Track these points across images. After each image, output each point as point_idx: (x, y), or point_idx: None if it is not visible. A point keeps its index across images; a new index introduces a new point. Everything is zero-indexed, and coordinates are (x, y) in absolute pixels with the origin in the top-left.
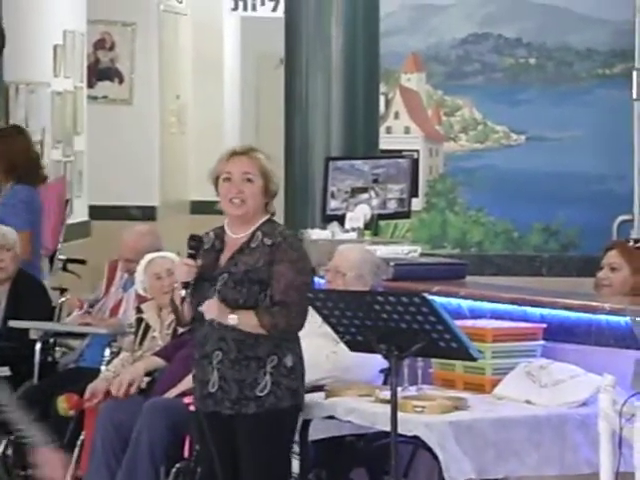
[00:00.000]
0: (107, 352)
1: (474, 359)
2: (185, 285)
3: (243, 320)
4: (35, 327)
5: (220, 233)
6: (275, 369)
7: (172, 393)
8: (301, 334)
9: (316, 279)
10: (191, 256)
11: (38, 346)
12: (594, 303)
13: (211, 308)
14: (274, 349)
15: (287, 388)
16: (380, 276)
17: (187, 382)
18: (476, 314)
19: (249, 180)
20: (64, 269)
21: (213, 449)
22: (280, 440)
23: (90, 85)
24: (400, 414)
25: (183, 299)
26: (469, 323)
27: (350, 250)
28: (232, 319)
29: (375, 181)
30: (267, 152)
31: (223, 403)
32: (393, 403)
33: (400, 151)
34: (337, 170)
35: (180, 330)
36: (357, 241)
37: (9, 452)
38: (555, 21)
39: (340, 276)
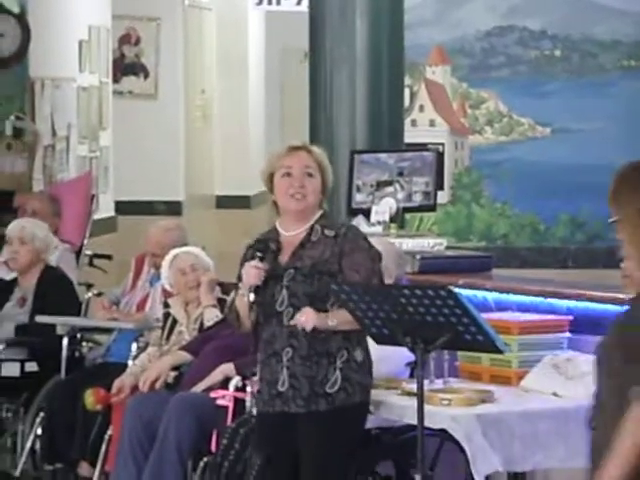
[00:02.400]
0: (134, 347)
1: (500, 352)
2: (254, 289)
3: (340, 319)
4: (62, 322)
5: (273, 235)
6: (345, 364)
7: (199, 387)
8: None
9: None
10: (259, 259)
11: (65, 341)
12: (621, 295)
13: (309, 317)
14: (344, 343)
15: (357, 383)
16: (403, 267)
17: (214, 376)
18: (502, 307)
19: (310, 175)
20: (90, 264)
21: (268, 451)
22: (348, 437)
23: (115, 80)
24: (427, 407)
25: (253, 303)
26: (495, 316)
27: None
28: (332, 321)
29: (400, 174)
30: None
31: (294, 401)
32: (419, 396)
33: (425, 144)
34: (362, 163)
35: (207, 324)
36: (382, 234)
37: (37, 447)
38: (580, 13)
39: None
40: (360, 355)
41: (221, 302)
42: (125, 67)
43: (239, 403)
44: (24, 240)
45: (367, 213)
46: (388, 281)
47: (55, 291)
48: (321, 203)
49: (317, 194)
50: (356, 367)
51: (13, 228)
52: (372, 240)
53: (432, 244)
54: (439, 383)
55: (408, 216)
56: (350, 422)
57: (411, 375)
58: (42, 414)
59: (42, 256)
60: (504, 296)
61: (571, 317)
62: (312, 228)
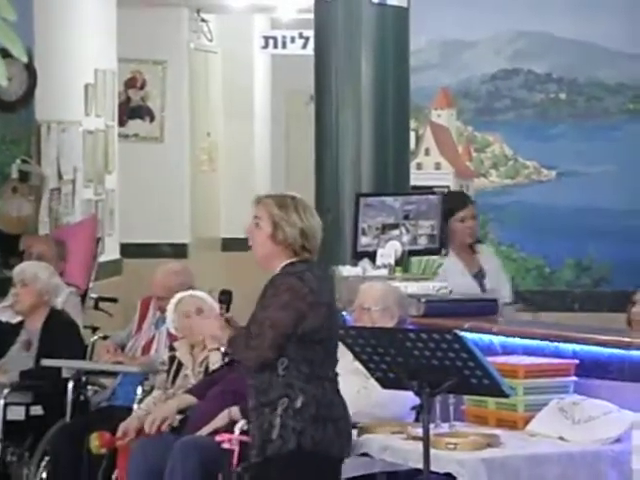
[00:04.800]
0: (139, 390)
1: (506, 395)
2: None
3: (222, 339)
4: (67, 366)
5: None
6: (284, 412)
7: (204, 431)
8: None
9: (346, 316)
10: (219, 304)
11: (70, 385)
12: (627, 339)
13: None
14: (286, 391)
15: (292, 429)
16: (406, 307)
17: (219, 420)
18: (508, 350)
19: (257, 225)
20: (96, 307)
21: None
22: None
23: (121, 123)
24: (432, 451)
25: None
26: (501, 359)
27: (372, 285)
28: (219, 333)
29: (406, 217)
30: (302, 197)
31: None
32: (425, 440)
33: (431, 187)
34: (368, 206)
35: (212, 367)
36: (388, 277)
37: None
38: (585, 56)
39: (366, 312)
40: (300, 402)
41: None
42: (131, 110)
43: (245, 447)
44: (25, 282)
45: (372, 256)
46: (390, 323)
47: (60, 334)
48: (301, 249)
49: (264, 245)
50: (292, 413)
51: (16, 270)
52: (372, 283)
53: (437, 287)
54: (445, 427)
55: (413, 259)
56: (291, 469)
57: (417, 419)
58: (47, 458)
59: (45, 298)
60: (510, 340)
61: (577, 361)
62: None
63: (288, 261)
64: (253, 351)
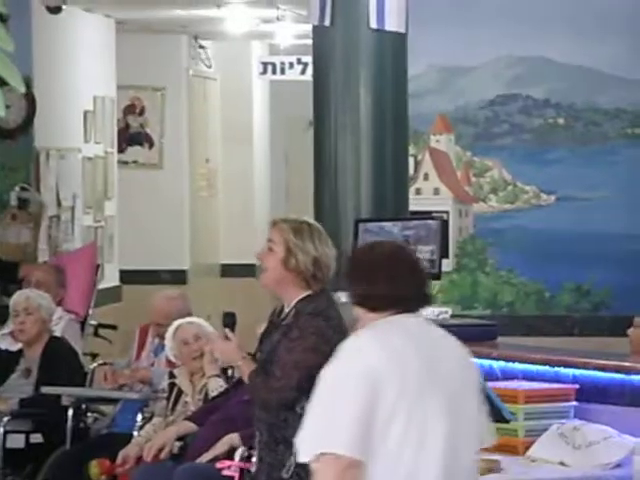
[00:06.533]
0: (139, 417)
1: (506, 421)
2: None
3: (242, 369)
4: (67, 393)
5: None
6: None
7: (205, 458)
8: None
9: None
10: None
11: (70, 412)
12: (627, 363)
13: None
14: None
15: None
16: None
17: (219, 447)
18: (508, 375)
19: (270, 249)
20: (95, 334)
21: None
22: None
23: (120, 150)
24: None
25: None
26: (501, 384)
27: None
28: (240, 364)
29: (405, 242)
30: (316, 225)
31: None
32: None
33: (430, 212)
34: (367, 232)
35: (211, 394)
36: None
37: None
38: (583, 81)
39: None
40: None
41: (225, 372)
42: (130, 137)
43: (245, 473)
44: (30, 310)
45: None
46: None
47: (60, 362)
48: (310, 284)
49: (276, 270)
50: None
51: (18, 299)
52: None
53: (437, 313)
54: None
55: None
56: None
57: None
58: None
59: (47, 326)
60: (510, 365)
61: (577, 386)
62: (288, 314)
63: (304, 294)
64: (276, 393)
